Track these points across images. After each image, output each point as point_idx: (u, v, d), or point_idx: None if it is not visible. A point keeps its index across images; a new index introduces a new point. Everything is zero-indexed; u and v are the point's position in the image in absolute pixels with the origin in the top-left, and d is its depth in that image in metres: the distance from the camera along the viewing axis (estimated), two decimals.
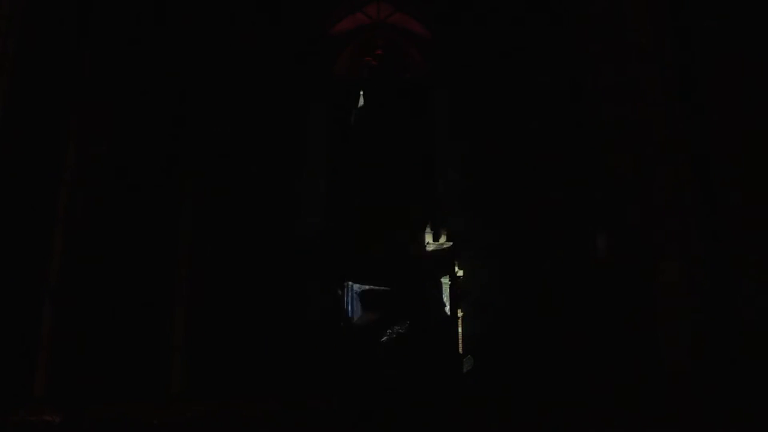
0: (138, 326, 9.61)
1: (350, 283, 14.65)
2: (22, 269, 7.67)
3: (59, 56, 8.36)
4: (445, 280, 14.81)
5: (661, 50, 8.26)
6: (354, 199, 15.38)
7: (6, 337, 7.34)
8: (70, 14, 8.57)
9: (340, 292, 14.62)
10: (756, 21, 7.06)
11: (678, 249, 7.72)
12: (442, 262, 14.85)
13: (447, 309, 14.57)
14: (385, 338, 14.46)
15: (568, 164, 11.58)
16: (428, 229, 15.03)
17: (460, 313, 14.86)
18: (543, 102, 12.46)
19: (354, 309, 14.56)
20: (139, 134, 9.84)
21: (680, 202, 7.83)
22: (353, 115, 16.04)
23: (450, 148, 16.30)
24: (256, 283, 13.14)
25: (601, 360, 9.64)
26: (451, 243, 14.96)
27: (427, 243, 14.81)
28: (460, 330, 14.76)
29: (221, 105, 12.43)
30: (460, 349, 14.50)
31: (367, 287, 14.84)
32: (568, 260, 11.47)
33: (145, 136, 10.03)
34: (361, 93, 15.93)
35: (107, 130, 9.14)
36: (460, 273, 15.03)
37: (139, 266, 9.84)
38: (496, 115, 14.71)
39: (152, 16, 10.12)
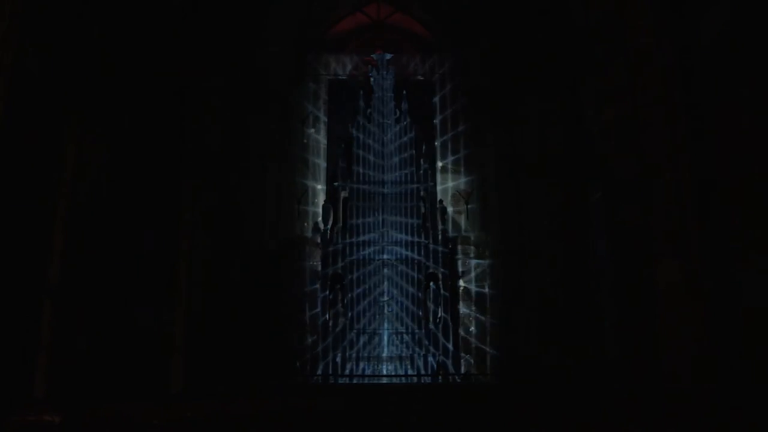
0: (138, 326, 9.62)
1: (350, 282, 14.66)
2: (22, 269, 7.67)
3: (59, 57, 8.37)
4: (445, 280, 14.83)
5: (661, 51, 8.26)
6: (354, 198, 15.39)
7: (6, 337, 7.34)
8: (71, 15, 8.57)
9: (340, 292, 14.64)
10: (756, 21, 7.06)
11: (678, 249, 7.73)
12: (442, 261, 14.87)
13: (447, 308, 14.58)
14: (385, 337, 14.48)
15: (569, 164, 11.59)
16: (428, 229, 15.05)
17: (459, 312, 14.90)
18: (543, 102, 12.46)
19: (354, 308, 14.56)
20: (139, 135, 9.85)
21: (680, 202, 7.84)
22: (353, 115, 16.06)
23: (449, 147, 16.34)
24: (255, 283, 13.14)
25: (601, 360, 9.65)
26: (451, 243, 14.98)
27: (427, 242, 14.82)
28: (459, 330, 14.79)
29: (222, 105, 12.45)
30: (459, 349, 14.54)
31: (367, 287, 14.85)
32: (568, 260, 11.47)
33: (145, 136, 10.04)
34: (361, 93, 15.95)
35: (107, 131, 9.14)
36: (460, 272, 15.07)
37: (139, 266, 9.85)
38: (495, 115, 14.73)
39: (153, 18, 10.13)
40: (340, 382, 13.32)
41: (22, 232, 7.68)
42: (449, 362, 14.15)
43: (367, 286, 14.87)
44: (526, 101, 13.15)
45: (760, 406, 6.31)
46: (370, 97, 16.04)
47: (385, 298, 14.78)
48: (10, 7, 7.46)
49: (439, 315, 14.62)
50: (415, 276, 14.80)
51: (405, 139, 15.73)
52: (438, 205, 15.47)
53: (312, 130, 16.31)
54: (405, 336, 14.47)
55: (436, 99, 16.53)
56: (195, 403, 7.09)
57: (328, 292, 14.66)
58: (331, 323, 14.48)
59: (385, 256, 14.88)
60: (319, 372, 13.92)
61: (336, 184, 15.59)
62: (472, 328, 14.93)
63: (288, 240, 14.71)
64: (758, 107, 7.00)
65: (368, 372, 13.89)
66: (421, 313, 14.59)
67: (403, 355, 14.20)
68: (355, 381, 13.48)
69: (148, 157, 10.23)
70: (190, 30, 11.31)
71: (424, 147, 15.74)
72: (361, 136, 15.70)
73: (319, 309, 14.56)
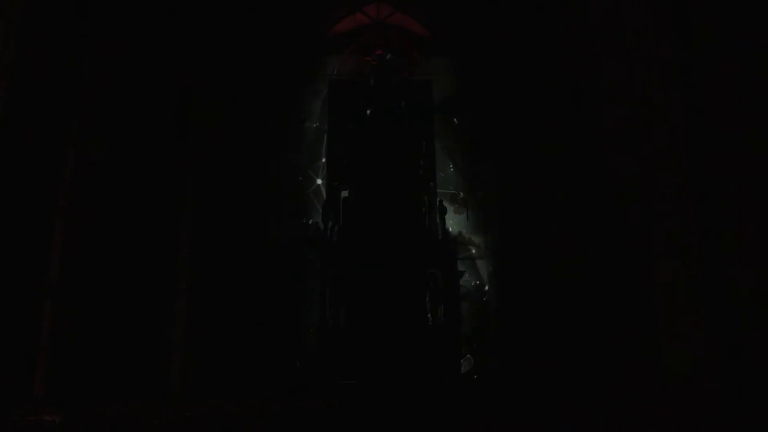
0: (138, 326, 9.62)
1: (351, 283, 14.65)
2: (22, 269, 7.68)
3: (59, 58, 8.37)
4: (445, 280, 14.81)
5: (661, 50, 8.27)
6: (354, 198, 15.39)
7: (6, 337, 7.35)
8: (70, 16, 8.58)
9: (340, 292, 14.62)
10: (756, 21, 7.07)
11: (678, 249, 7.73)
12: (442, 261, 14.85)
13: (447, 308, 14.56)
14: (385, 337, 14.47)
15: (569, 164, 11.57)
16: (429, 230, 15.03)
17: (459, 313, 14.88)
18: (542, 102, 12.45)
19: (354, 309, 14.56)
20: (140, 135, 9.85)
21: (680, 202, 7.84)
22: (354, 115, 16.05)
23: (449, 147, 16.35)
24: (255, 282, 13.14)
25: (601, 360, 9.64)
26: (452, 243, 14.96)
27: (427, 242, 14.78)
28: (459, 330, 14.78)
29: (221, 106, 12.44)
30: (460, 349, 14.51)
31: (367, 288, 14.84)
32: (568, 260, 11.46)
33: (146, 136, 10.04)
34: (361, 93, 15.94)
35: (107, 131, 9.15)
36: (460, 272, 15.06)
37: (138, 266, 9.85)
38: (494, 115, 14.73)
39: (152, 18, 10.13)
40: (340, 382, 13.30)
41: (23, 232, 7.69)
42: (450, 362, 14.12)
43: (367, 286, 14.84)
44: (525, 100, 13.14)
45: (759, 404, 6.32)
46: (370, 97, 16.02)
47: (385, 297, 14.76)
48: (10, 7, 7.47)
49: (439, 315, 14.60)
50: (415, 276, 14.77)
51: (405, 139, 15.71)
52: (438, 205, 15.45)
53: (312, 130, 16.32)
54: (405, 335, 14.44)
55: (437, 99, 16.52)
56: (195, 403, 7.09)
57: (328, 292, 14.63)
58: (331, 323, 14.46)
59: (385, 256, 14.85)
60: (319, 372, 13.89)
61: (336, 183, 15.58)
62: (473, 328, 14.93)
63: (288, 240, 14.70)
64: (759, 107, 7.01)
65: (368, 372, 13.86)
66: (420, 314, 14.56)
67: (403, 354, 14.16)
68: (355, 381, 13.46)
69: (149, 157, 10.23)
70: (191, 29, 11.31)
71: (424, 147, 15.73)
72: (361, 136, 15.68)
73: (319, 309, 14.54)
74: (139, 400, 7.56)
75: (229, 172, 12.51)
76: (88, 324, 8.51)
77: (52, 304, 8.12)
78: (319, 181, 16.10)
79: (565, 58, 11.31)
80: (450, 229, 15.34)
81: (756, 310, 6.87)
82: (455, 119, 16.37)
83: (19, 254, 7.62)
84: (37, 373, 7.85)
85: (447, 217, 15.44)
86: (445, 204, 15.62)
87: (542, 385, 11.14)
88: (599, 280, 9.99)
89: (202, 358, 10.84)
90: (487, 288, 15.25)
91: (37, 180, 8.02)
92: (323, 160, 16.24)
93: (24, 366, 7.72)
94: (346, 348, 14.20)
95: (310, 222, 15.71)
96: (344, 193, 15.44)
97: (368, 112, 15.90)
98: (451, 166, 16.21)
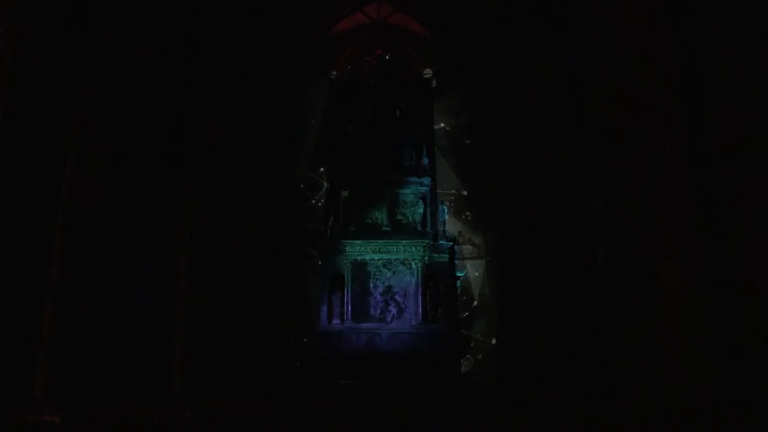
0: (138, 326, 9.62)
1: (350, 282, 14.66)
2: (22, 269, 7.68)
3: (59, 56, 8.37)
4: (445, 279, 14.81)
5: (661, 50, 8.26)
6: (354, 198, 15.39)
7: (6, 337, 7.35)
8: (70, 14, 8.57)
9: (340, 292, 14.63)
10: (756, 22, 7.06)
11: (678, 249, 7.73)
12: (441, 260, 14.85)
13: (446, 308, 14.56)
14: (385, 336, 14.47)
15: (569, 165, 11.58)
16: (428, 230, 15.03)
17: (458, 312, 14.89)
18: (543, 102, 12.46)
19: (353, 310, 14.56)
20: (139, 135, 9.84)
21: (680, 202, 7.84)
22: (354, 115, 16.05)
23: (449, 147, 16.35)
24: (255, 282, 13.15)
25: (601, 359, 9.64)
26: (451, 243, 14.96)
27: (427, 242, 14.79)
28: (459, 329, 14.78)
29: (221, 105, 12.44)
30: (459, 348, 14.51)
31: (367, 287, 14.84)
32: (569, 260, 11.47)
33: (145, 136, 10.04)
34: (361, 93, 15.94)
35: (107, 131, 9.14)
36: (459, 273, 15.06)
37: (138, 266, 9.84)
38: (495, 115, 14.74)
39: (152, 16, 10.13)
40: (340, 382, 13.30)
41: (23, 233, 7.69)
42: (449, 362, 14.12)
43: (367, 286, 14.85)
44: (525, 100, 13.15)
45: (759, 404, 6.32)
46: (370, 97, 16.03)
47: (385, 297, 14.77)
48: (10, 7, 7.47)
49: (439, 314, 14.60)
50: (415, 275, 14.78)
51: (405, 138, 15.71)
52: (438, 205, 15.46)
53: (312, 130, 16.34)
54: (405, 335, 14.45)
55: (436, 99, 16.53)
56: (195, 403, 7.10)
57: (328, 292, 14.63)
58: (331, 323, 14.46)
59: (385, 256, 14.86)
60: (319, 372, 13.89)
61: (336, 183, 15.58)
62: (472, 327, 14.94)
63: (288, 239, 14.71)
64: (759, 107, 7.01)
65: (368, 371, 13.86)
66: (420, 313, 14.57)
67: (403, 354, 14.17)
68: (354, 381, 13.47)
69: (148, 158, 10.23)
70: (191, 30, 11.32)
71: (424, 147, 15.73)
72: (361, 136, 15.69)
73: (319, 308, 14.55)
74: (139, 400, 7.56)
75: (229, 173, 12.52)
76: (88, 324, 8.51)
77: (52, 304, 8.11)
78: (319, 182, 16.11)
79: (565, 59, 11.32)
80: (449, 229, 15.34)
81: (756, 310, 6.86)
82: (455, 118, 16.38)
83: (20, 255, 7.62)
84: (37, 373, 7.85)
85: (446, 217, 15.45)
86: (445, 204, 15.64)
87: (541, 384, 11.15)
88: (599, 280, 9.99)
89: (202, 358, 10.84)
90: (486, 288, 15.25)
91: (37, 180, 8.01)
92: (323, 160, 16.25)
93: (24, 366, 7.72)
94: (346, 347, 14.20)
95: (311, 221, 15.71)
96: (344, 193, 15.44)
97: (368, 111, 15.91)
98: (450, 166, 16.21)
